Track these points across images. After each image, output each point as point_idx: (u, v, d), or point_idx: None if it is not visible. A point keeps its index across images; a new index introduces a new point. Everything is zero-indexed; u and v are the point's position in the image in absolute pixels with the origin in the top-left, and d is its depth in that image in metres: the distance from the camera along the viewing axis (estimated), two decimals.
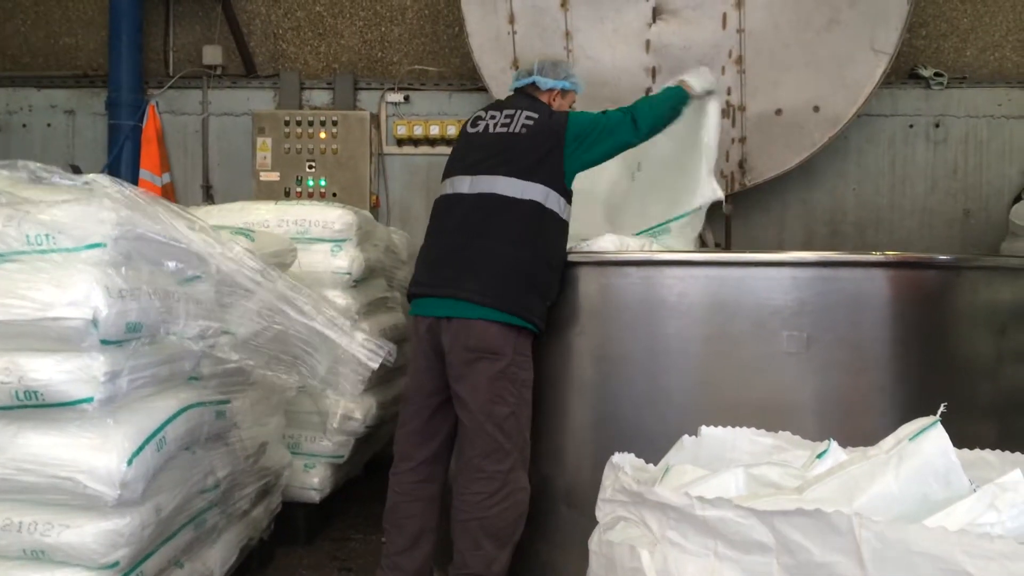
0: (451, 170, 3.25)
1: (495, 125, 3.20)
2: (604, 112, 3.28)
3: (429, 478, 3.11)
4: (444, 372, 3.03)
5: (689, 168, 3.70)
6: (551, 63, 3.39)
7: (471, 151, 3.22)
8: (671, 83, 3.56)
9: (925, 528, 1.21)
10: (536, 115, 3.18)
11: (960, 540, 1.18)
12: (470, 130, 3.29)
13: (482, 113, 3.32)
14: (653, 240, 3.61)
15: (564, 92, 3.37)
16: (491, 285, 2.95)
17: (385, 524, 3.17)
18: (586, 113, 3.26)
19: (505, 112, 3.22)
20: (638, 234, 3.76)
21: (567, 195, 3.16)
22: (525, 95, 3.35)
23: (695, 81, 3.52)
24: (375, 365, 3.09)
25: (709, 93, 3.60)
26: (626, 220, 3.92)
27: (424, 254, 3.20)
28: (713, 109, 3.64)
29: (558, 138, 3.11)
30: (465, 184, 3.14)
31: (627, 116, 3.23)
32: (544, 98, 3.33)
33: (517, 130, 3.14)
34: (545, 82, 3.33)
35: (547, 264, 3.07)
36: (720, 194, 3.62)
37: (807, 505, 1.30)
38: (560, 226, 3.13)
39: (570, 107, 3.41)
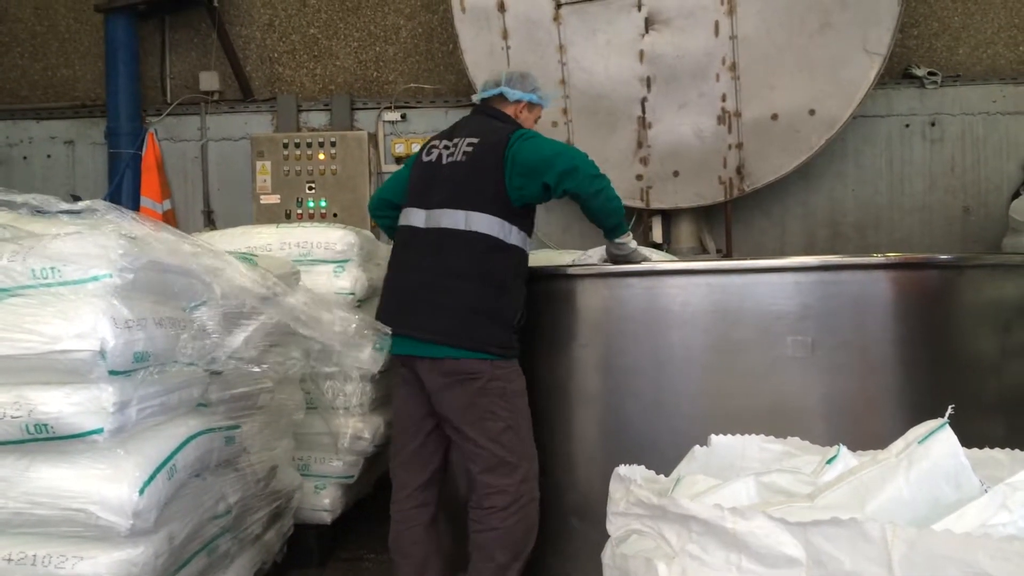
0: (407, 201, 3.20)
1: (446, 155, 3.14)
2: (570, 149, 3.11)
3: (426, 502, 3.12)
4: (428, 398, 3.04)
5: None
6: (519, 75, 3.29)
7: (424, 182, 3.16)
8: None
9: (953, 534, 1.22)
10: (477, 138, 3.08)
11: (984, 544, 1.18)
12: (424, 159, 3.22)
13: (436, 142, 3.24)
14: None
15: (531, 106, 3.28)
16: (451, 325, 2.94)
17: (392, 556, 3.16)
18: (540, 140, 3.07)
19: (454, 140, 3.15)
20: None
21: (517, 218, 3.04)
22: (482, 111, 3.27)
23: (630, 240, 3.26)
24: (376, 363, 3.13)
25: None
26: None
27: (386, 289, 3.19)
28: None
29: (496, 160, 3.00)
30: (420, 218, 3.10)
31: (600, 173, 3.03)
32: (511, 110, 3.25)
33: (459, 158, 3.08)
34: (512, 93, 3.23)
35: (501, 291, 2.98)
36: None
37: (841, 514, 1.29)
38: (510, 252, 3.02)
39: (535, 122, 3.33)
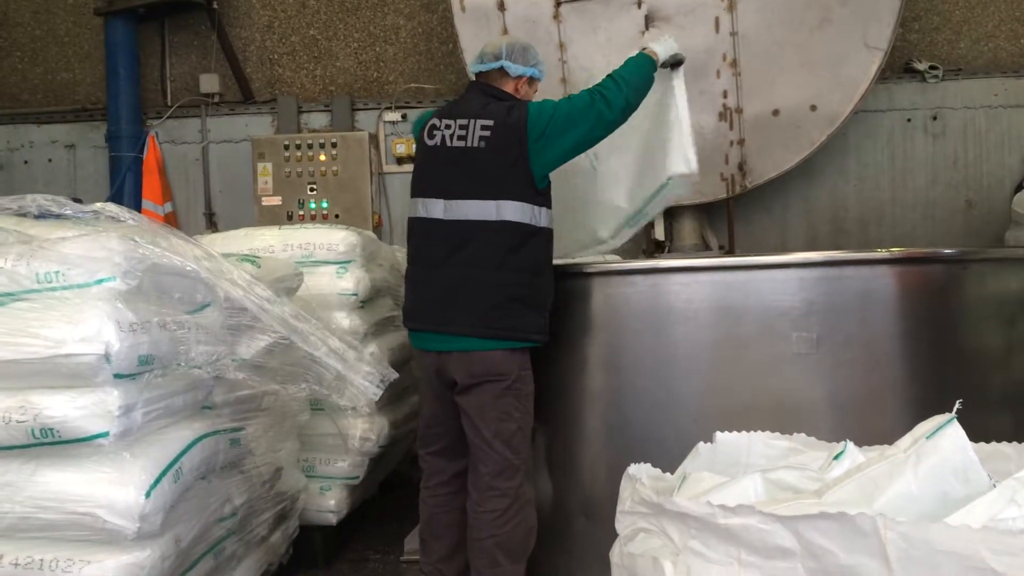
0: (421, 189, 3.09)
1: (451, 137, 3.00)
2: (568, 97, 3.06)
3: (461, 488, 3.09)
4: (453, 396, 3.02)
5: (657, 147, 3.48)
6: (520, 47, 3.11)
7: (437, 169, 3.05)
8: (632, 53, 3.25)
9: (949, 527, 1.21)
10: (492, 121, 2.95)
11: (984, 537, 1.18)
12: (428, 142, 3.07)
13: (436, 122, 3.07)
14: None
15: (531, 80, 3.14)
16: (484, 316, 2.90)
17: (422, 536, 3.16)
18: (547, 102, 3.00)
19: (459, 122, 3.01)
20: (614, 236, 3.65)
21: (542, 198, 2.99)
22: (481, 88, 3.10)
23: (660, 48, 3.25)
24: (375, 396, 3.11)
25: (677, 63, 3.38)
26: (594, 213, 3.69)
27: (412, 285, 3.11)
28: (678, 80, 3.42)
29: (520, 142, 2.91)
30: (439, 208, 3.00)
31: (595, 96, 2.96)
32: (510, 86, 3.09)
33: (475, 144, 2.95)
34: (515, 68, 3.07)
35: (536, 276, 2.97)
36: (695, 166, 3.36)
37: (830, 508, 1.30)
38: (541, 235, 2.99)
39: (533, 97, 3.17)
